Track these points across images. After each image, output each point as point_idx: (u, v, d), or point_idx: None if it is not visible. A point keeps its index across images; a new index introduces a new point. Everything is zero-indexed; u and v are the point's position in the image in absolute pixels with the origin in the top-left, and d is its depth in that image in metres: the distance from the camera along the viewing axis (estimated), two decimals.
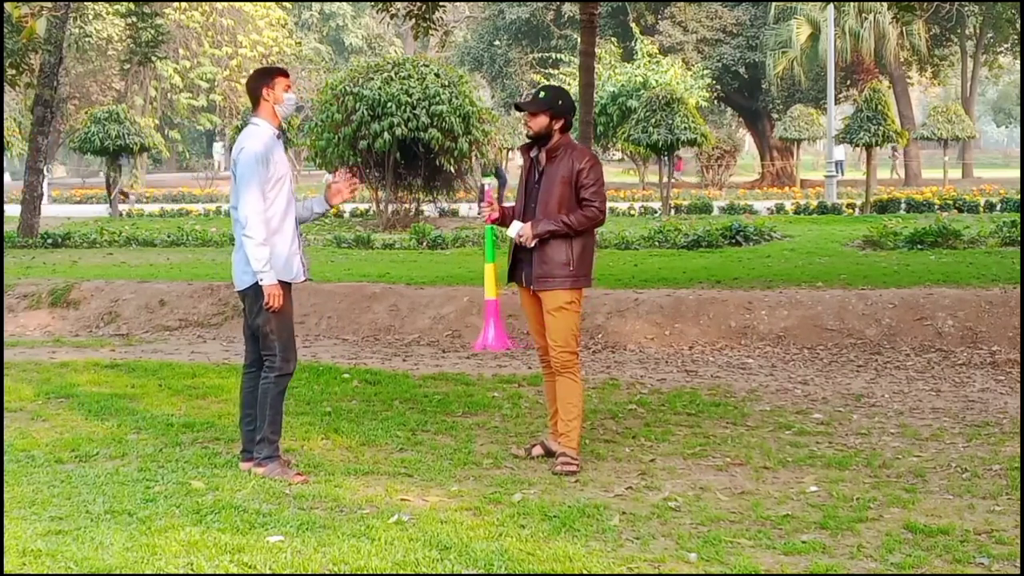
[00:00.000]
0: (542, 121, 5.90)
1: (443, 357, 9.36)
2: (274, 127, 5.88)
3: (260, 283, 5.71)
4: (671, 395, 7.72)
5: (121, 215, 25.34)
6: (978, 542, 4.69)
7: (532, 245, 5.87)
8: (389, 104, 19.09)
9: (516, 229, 5.93)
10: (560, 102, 5.93)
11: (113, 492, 5.34)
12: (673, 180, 24.42)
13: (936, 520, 4.97)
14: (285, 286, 5.79)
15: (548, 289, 5.91)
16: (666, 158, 23.36)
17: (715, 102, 41.46)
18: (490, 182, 6.27)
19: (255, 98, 5.92)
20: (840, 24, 35.89)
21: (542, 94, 5.99)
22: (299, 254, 5.89)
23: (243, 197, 5.69)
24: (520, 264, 6.07)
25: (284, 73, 6.00)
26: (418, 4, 15.80)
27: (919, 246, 14.23)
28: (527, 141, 6.09)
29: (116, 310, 11.29)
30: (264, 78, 5.94)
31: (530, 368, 8.77)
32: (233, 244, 6.04)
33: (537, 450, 6.14)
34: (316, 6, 55.66)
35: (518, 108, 6.16)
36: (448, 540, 4.62)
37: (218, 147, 55.14)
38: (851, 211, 22.45)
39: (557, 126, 5.93)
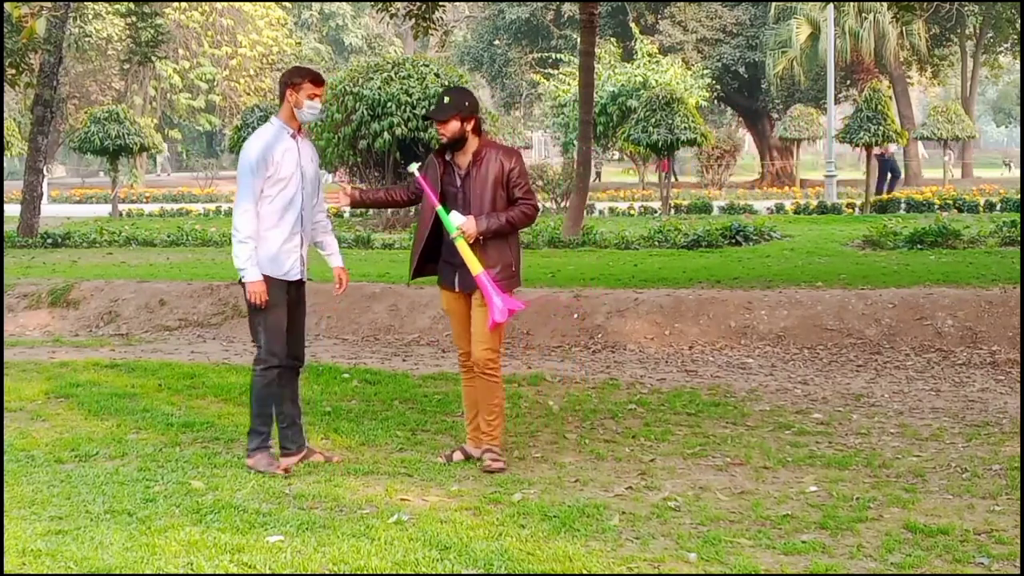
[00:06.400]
0: (454, 126, 5.81)
1: (443, 357, 9.36)
2: (291, 129, 5.86)
3: (242, 280, 5.78)
4: (671, 395, 7.72)
5: (121, 215, 25.34)
6: (978, 542, 4.69)
7: (471, 242, 5.77)
8: (389, 104, 19.09)
9: (458, 220, 5.78)
10: (467, 103, 5.85)
11: (113, 492, 5.34)
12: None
13: (936, 520, 4.97)
14: (275, 282, 5.81)
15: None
16: (666, 158, 23.40)
17: (715, 102, 41.45)
18: (416, 167, 6.14)
19: (280, 95, 5.93)
20: (840, 24, 35.85)
21: (447, 99, 5.88)
22: (297, 253, 5.89)
23: (237, 193, 5.83)
24: (451, 267, 5.96)
25: (316, 80, 5.91)
26: (418, 4, 15.81)
27: (919, 246, 14.23)
28: (440, 146, 5.95)
29: (116, 310, 11.29)
30: (292, 78, 5.90)
31: (529, 368, 8.78)
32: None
33: (457, 455, 6.05)
34: (316, 6, 55.64)
35: (426, 118, 6.13)
36: (448, 540, 4.62)
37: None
38: (851, 211, 22.45)
39: (469, 127, 5.85)
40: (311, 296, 10.95)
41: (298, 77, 5.89)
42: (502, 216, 5.80)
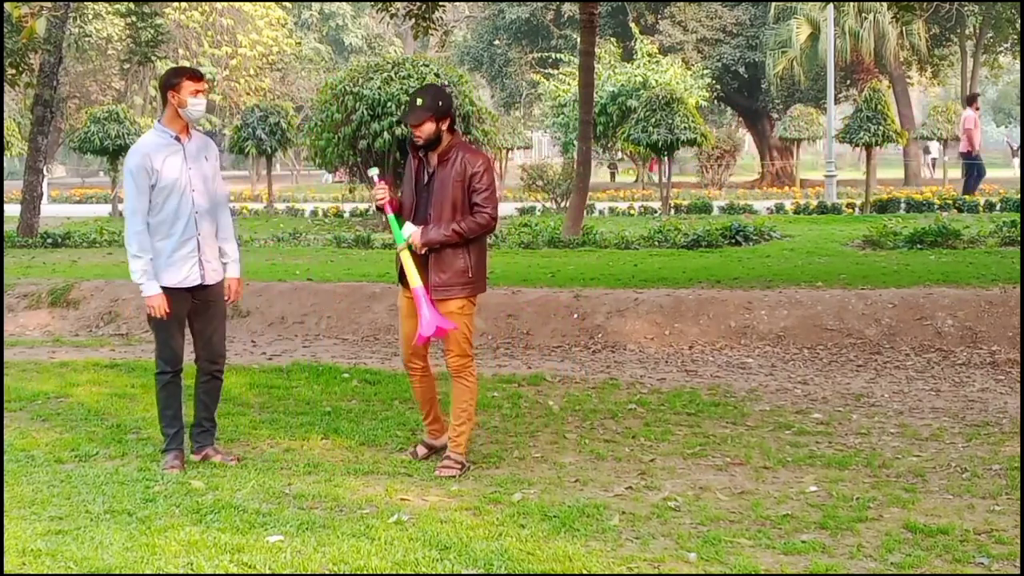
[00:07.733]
0: (429, 128, 5.75)
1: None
2: (173, 132, 5.78)
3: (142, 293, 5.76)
4: (671, 395, 7.72)
5: (121, 215, 25.32)
6: (978, 542, 4.70)
7: (423, 252, 5.78)
8: (389, 104, 19.07)
9: (409, 231, 5.81)
10: (440, 103, 5.76)
11: (113, 492, 5.34)
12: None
13: (936, 520, 4.97)
14: (168, 291, 5.78)
15: (447, 298, 5.83)
16: (666, 158, 23.39)
17: (715, 102, 41.44)
18: (376, 172, 6.13)
19: (162, 99, 5.83)
20: (840, 24, 35.83)
21: (419, 101, 5.78)
22: (194, 258, 5.81)
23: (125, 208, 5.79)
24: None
25: (194, 76, 5.82)
26: (418, 4, 15.80)
27: (919, 246, 14.22)
28: (417, 140, 5.88)
29: (116, 310, 11.28)
30: (170, 79, 5.79)
31: (529, 368, 8.78)
32: None
33: (421, 450, 6.11)
34: (316, 6, 55.61)
35: (402, 123, 6.10)
36: (448, 540, 4.63)
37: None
38: (851, 211, 22.43)
39: (445, 126, 5.78)
40: (312, 296, 11.00)
41: (175, 78, 5.79)
42: (450, 227, 5.72)
